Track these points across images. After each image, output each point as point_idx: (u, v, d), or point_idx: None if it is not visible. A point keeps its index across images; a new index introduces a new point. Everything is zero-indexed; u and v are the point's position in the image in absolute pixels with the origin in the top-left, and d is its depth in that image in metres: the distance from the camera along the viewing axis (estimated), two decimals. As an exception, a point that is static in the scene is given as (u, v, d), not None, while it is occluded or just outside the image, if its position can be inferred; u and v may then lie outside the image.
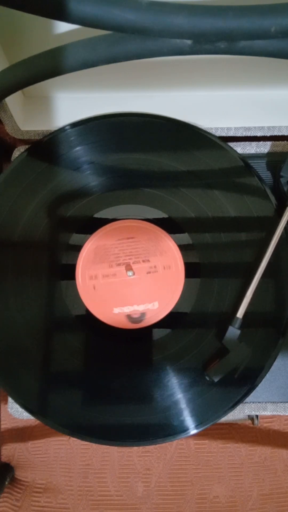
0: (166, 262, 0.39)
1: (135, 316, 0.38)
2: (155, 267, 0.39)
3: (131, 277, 0.39)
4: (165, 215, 0.40)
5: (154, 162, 0.41)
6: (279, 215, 0.39)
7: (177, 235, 0.40)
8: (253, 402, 0.40)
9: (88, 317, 0.39)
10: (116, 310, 0.39)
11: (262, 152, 0.43)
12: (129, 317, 0.38)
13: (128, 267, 0.39)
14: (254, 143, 0.43)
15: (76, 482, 0.50)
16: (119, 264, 0.39)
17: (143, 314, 0.38)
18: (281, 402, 0.40)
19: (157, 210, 0.40)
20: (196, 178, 0.40)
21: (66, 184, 0.40)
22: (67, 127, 0.42)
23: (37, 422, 0.51)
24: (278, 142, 0.43)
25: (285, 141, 0.43)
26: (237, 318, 0.37)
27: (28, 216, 0.40)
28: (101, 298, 0.39)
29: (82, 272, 0.39)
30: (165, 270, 0.39)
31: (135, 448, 0.50)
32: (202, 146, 0.41)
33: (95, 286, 0.39)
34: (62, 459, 0.50)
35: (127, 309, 0.39)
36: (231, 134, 0.43)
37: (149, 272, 0.39)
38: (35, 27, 0.35)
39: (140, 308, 0.39)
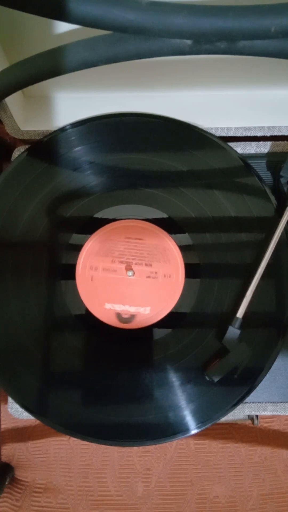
0: (166, 262, 0.39)
1: (125, 316, 0.38)
2: (155, 267, 0.39)
3: (130, 277, 0.39)
4: (165, 215, 0.40)
5: (154, 162, 0.41)
6: (279, 215, 0.39)
7: (177, 235, 0.40)
8: (253, 402, 0.40)
9: (88, 316, 0.39)
10: (108, 306, 0.39)
11: (262, 152, 0.43)
12: (118, 315, 0.38)
13: (129, 267, 0.39)
14: (254, 143, 0.43)
15: (76, 482, 0.50)
16: (121, 262, 0.39)
17: (132, 316, 0.38)
18: (281, 402, 0.40)
19: (157, 210, 0.40)
20: (196, 178, 0.40)
21: (66, 184, 0.40)
22: (67, 127, 0.42)
23: (37, 422, 0.51)
24: (278, 142, 0.43)
25: (285, 141, 0.43)
26: (237, 318, 0.37)
27: (28, 216, 0.40)
28: (97, 291, 0.39)
29: (82, 270, 0.39)
30: (165, 271, 0.39)
31: (135, 448, 0.50)
32: (202, 146, 0.41)
33: (93, 278, 0.39)
34: (62, 459, 0.50)
35: (118, 307, 0.39)
36: (231, 134, 0.43)
37: (149, 275, 0.39)
38: (35, 27, 0.35)
39: (131, 309, 0.39)
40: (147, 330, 0.39)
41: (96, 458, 0.50)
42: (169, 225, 0.40)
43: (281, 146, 0.43)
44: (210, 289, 0.39)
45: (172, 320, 0.39)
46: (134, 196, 0.41)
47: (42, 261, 0.39)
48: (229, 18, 0.25)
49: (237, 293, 0.38)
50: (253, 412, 0.40)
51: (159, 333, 0.39)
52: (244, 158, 0.41)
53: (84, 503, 0.49)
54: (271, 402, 0.40)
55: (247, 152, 0.43)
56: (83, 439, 0.37)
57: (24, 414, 0.41)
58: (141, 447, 0.50)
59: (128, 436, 0.37)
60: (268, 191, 0.40)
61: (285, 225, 0.38)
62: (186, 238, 0.40)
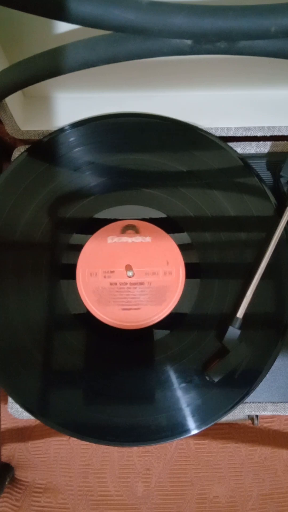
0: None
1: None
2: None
3: (131, 277, 0.39)
4: (165, 216, 0.40)
5: (154, 162, 0.41)
6: (279, 215, 0.39)
7: (177, 235, 0.40)
8: (253, 402, 0.40)
9: (88, 316, 0.39)
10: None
11: (262, 152, 0.43)
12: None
13: (128, 267, 0.39)
14: (254, 143, 0.43)
15: (76, 482, 0.50)
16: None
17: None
18: (281, 402, 0.40)
19: (157, 210, 0.40)
20: (196, 178, 0.40)
21: (66, 184, 0.40)
22: (67, 127, 0.42)
23: (37, 422, 0.51)
24: (278, 142, 0.43)
25: (285, 141, 0.43)
26: (237, 318, 0.37)
27: (28, 216, 0.40)
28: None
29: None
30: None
31: (135, 448, 0.50)
32: (202, 146, 0.41)
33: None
34: (62, 459, 0.50)
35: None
36: (231, 134, 0.43)
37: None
38: (35, 27, 0.35)
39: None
40: (148, 331, 0.39)
41: (96, 458, 0.50)
42: (169, 226, 0.40)
43: (281, 146, 0.43)
44: (210, 289, 0.39)
45: (172, 320, 0.39)
46: (134, 196, 0.41)
47: (42, 261, 0.39)
48: (229, 18, 0.25)
49: (237, 293, 0.38)
50: (253, 412, 0.40)
51: (159, 334, 0.39)
52: (244, 158, 0.41)
53: (84, 503, 0.49)
54: (271, 402, 0.40)
55: (247, 152, 0.43)
56: (83, 439, 0.37)
57: (24, 414, 0.41)
58: (141, 447, 0.50)
59: (128, 436, 0.37)
60: (268, 191, 0.40)
61: (285, 225, 0.38)
62: (186, 238, 0.40)
